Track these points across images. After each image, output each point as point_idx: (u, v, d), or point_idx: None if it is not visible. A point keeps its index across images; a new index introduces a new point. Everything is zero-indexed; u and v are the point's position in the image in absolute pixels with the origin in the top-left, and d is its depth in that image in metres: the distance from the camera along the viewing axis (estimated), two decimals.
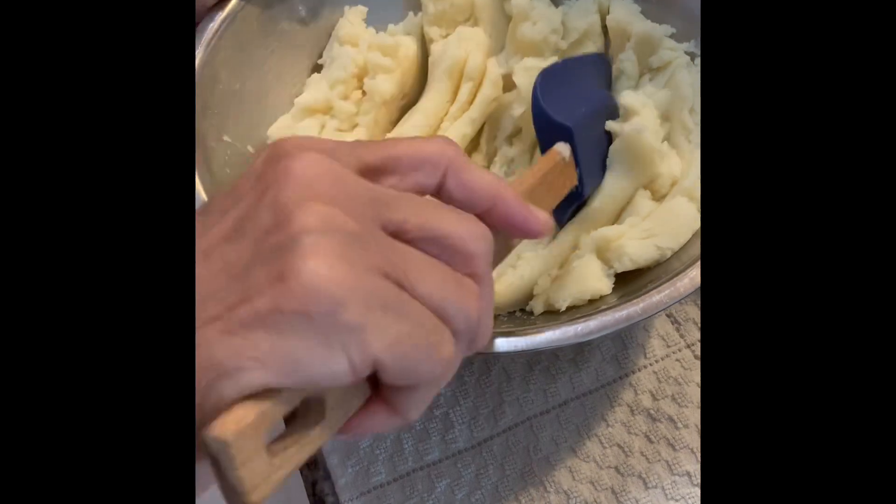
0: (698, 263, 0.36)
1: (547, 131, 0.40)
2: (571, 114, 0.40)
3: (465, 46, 0.48)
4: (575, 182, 0.40)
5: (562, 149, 0.39)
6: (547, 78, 0.42)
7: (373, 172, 0.27)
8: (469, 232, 0.26)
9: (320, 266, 0.22)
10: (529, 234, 0.30)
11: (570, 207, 0.43)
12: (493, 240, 0.27)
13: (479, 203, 0.28)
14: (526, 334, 0.36)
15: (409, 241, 0.25)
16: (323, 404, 0.25)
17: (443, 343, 0.25)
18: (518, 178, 0.40)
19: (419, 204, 0.26)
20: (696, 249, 0.39)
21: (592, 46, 0.49)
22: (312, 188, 0.24)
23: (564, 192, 0.39)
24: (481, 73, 0.48)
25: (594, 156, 0.43)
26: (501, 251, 0.32)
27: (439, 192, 0.28)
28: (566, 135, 0.39)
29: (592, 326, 0.35)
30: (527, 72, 0.47)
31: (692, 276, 0.36)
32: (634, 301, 0.36)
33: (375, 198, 0.25)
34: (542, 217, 0.31)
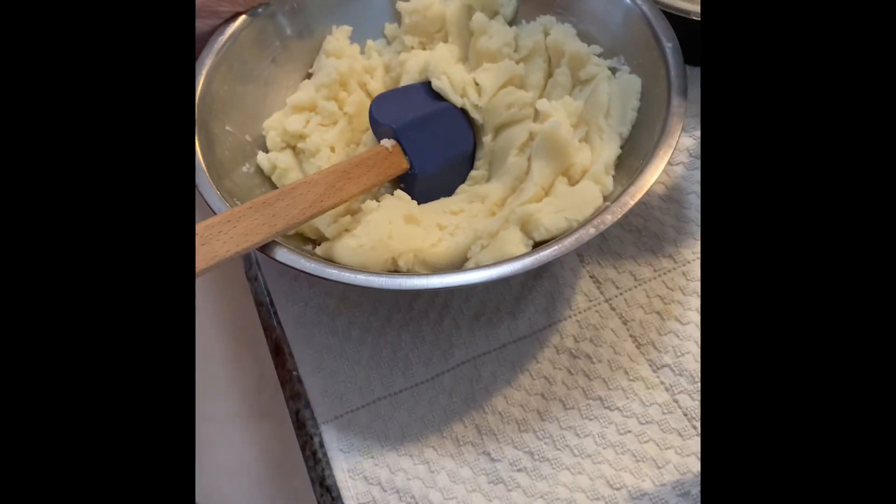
0: (582, 229, 0.46)
1: (378, 131, 0.56)
2: (397, 118, 0.55)
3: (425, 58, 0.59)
4: (405, 165, 0.54)
5: (385, 142, 0.54)
6: (381, 98, 0.57)
7: None
8: None
9: None
10: None
11: (413, 184, 0.56)
12: None
13: None
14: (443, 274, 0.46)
15: None
16: None
17: None
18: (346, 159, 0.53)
19: None
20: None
21: (539, 59, 0.60)
22: None
23: (392, 172, 0.53)
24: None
25: (431, 144, 0.56)
26: None
27: None
28: (392, 132, 0.54)
29: (494, 273, 0.45)
30: (486, 72, 0.58)
31: (574, 237, 0.46)
32: (529, 254, 0.46)
33: None
34: None
